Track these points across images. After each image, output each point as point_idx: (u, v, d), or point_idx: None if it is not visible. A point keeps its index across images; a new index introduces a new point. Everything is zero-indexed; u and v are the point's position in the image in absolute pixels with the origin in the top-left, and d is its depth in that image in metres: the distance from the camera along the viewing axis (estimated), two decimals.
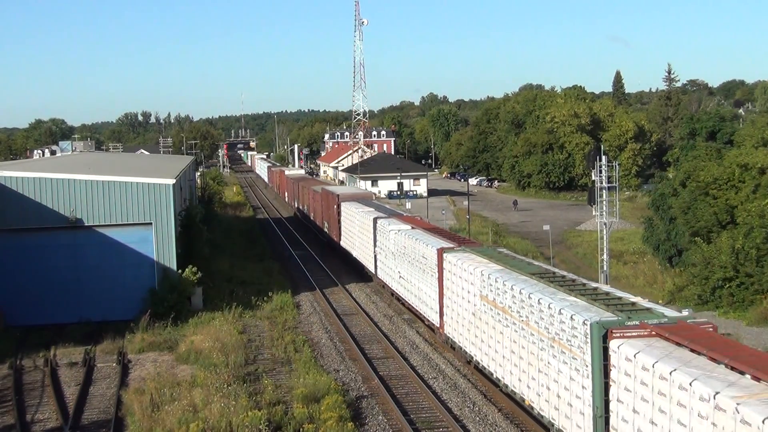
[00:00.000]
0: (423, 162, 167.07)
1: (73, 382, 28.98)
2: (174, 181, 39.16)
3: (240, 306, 38.79)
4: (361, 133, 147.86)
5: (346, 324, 37.87)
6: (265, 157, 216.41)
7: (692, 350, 16.41)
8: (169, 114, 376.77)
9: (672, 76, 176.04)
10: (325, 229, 63.42)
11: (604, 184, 42.19)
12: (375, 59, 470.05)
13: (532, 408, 22.88)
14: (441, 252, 31.15)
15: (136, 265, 37.98)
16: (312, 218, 73.87)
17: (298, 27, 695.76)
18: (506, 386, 24.89)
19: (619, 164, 52.54)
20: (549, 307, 21.02)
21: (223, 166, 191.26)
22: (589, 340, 18.78)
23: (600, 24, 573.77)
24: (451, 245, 32.23)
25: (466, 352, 28.88)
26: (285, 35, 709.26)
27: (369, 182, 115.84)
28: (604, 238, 42.83)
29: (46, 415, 25.81)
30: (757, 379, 14.31)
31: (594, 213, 43.75)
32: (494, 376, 26.01)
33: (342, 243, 55.17)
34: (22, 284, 37.10)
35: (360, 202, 53.88)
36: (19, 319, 36.36)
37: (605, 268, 43.00)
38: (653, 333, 17.82)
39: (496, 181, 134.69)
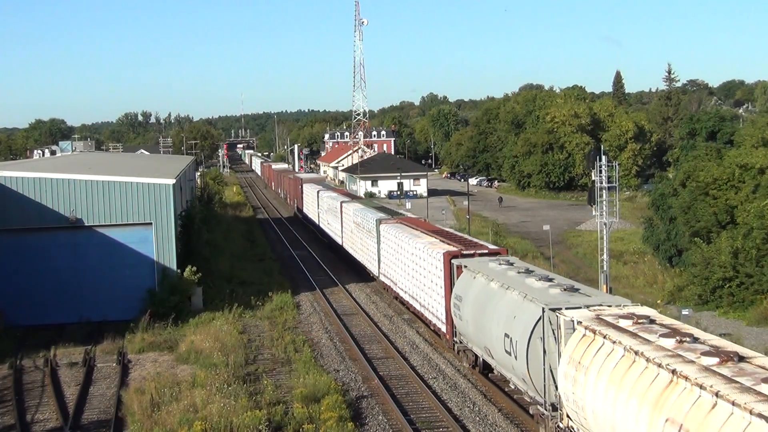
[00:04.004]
0: (423, 162, 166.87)
1: (73, 382, 28.99)
2: (174, 181, 39.16)
3: (240, 306, 38.80)
4: (361, 133, 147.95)
5: (346, 324, 37.89)
6: (260, 155, 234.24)
7: (407, 226, 40.09)
8: (169, 114, 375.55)
9: (672, 76, 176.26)
10: (295, 204, 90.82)
11: (604, 184, 42.13)
12: (375, 59, 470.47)
13: (366, 268, 47.43)
14: (342, 204, 55.48)
15: (136, 265, 37.96)
16: (287, 199, 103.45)
17: (298, 27, 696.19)
18: (360, 263, 49.13)
19: (619, 164, 52.64)
20: (368, 217, 45.73)
21: (223, 166, 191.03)
22: (375, 227, 43.32)
23: (600, 24, 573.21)
24: (349, 200, 57.87)
25: (354, 257, 51.42)
26: (285, 35, 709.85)
27: (369, 182, 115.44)
28: (604, 238, 42.78)
29: (46, 415, 25.83)
30: (423, 232, 37.48)
31: (594, 213, 43.63)
32: (360, 263, 49.27)
33: (303, 210, 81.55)
34: (22, 284, 37.07)
35: (315, 183, 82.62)
36: (19, 319, 36.32)
37: (605, 268, 42.93)
38: (398, 222, 42.08)
39: (496, 181, 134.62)
